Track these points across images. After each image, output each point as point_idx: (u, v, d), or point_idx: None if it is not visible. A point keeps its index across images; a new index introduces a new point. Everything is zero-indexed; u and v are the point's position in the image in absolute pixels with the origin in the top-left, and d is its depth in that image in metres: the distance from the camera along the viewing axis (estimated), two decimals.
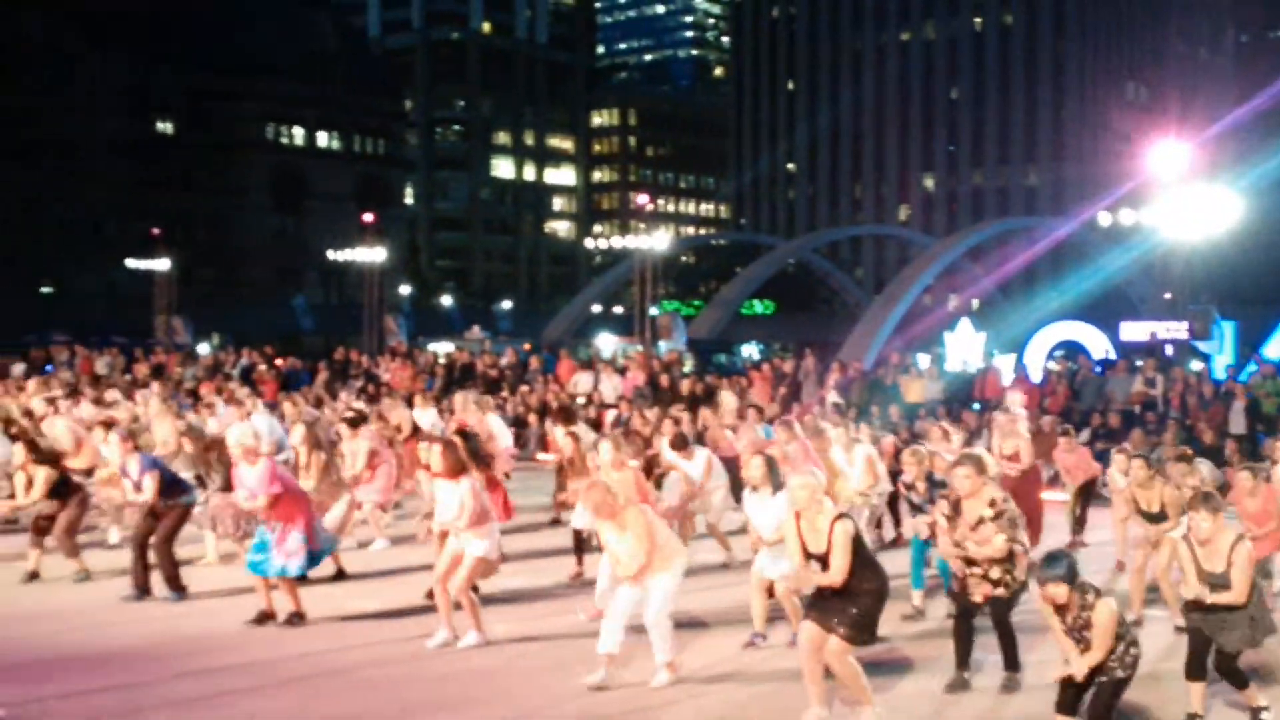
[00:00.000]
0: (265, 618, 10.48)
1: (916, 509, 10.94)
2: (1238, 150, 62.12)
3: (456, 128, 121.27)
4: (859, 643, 7.80)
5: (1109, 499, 13.56)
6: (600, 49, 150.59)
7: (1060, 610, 7.04)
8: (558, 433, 13.83)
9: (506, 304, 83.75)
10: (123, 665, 9.27)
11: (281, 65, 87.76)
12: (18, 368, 28.34)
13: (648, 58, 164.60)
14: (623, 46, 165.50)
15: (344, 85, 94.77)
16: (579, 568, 12.18)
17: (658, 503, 11.55)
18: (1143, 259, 44.14)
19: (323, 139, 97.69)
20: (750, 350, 51.93)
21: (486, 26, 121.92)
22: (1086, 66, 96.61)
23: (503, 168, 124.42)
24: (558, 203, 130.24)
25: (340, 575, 12.37)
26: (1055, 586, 6.97)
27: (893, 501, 13.61)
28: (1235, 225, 28.20)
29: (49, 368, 29.64)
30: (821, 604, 7.87)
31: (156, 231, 54.08)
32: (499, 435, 15.67)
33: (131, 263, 61.23)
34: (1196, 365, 26.43)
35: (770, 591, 9.75)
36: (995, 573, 8.48)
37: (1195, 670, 7.99)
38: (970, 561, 8.50)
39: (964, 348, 31.51)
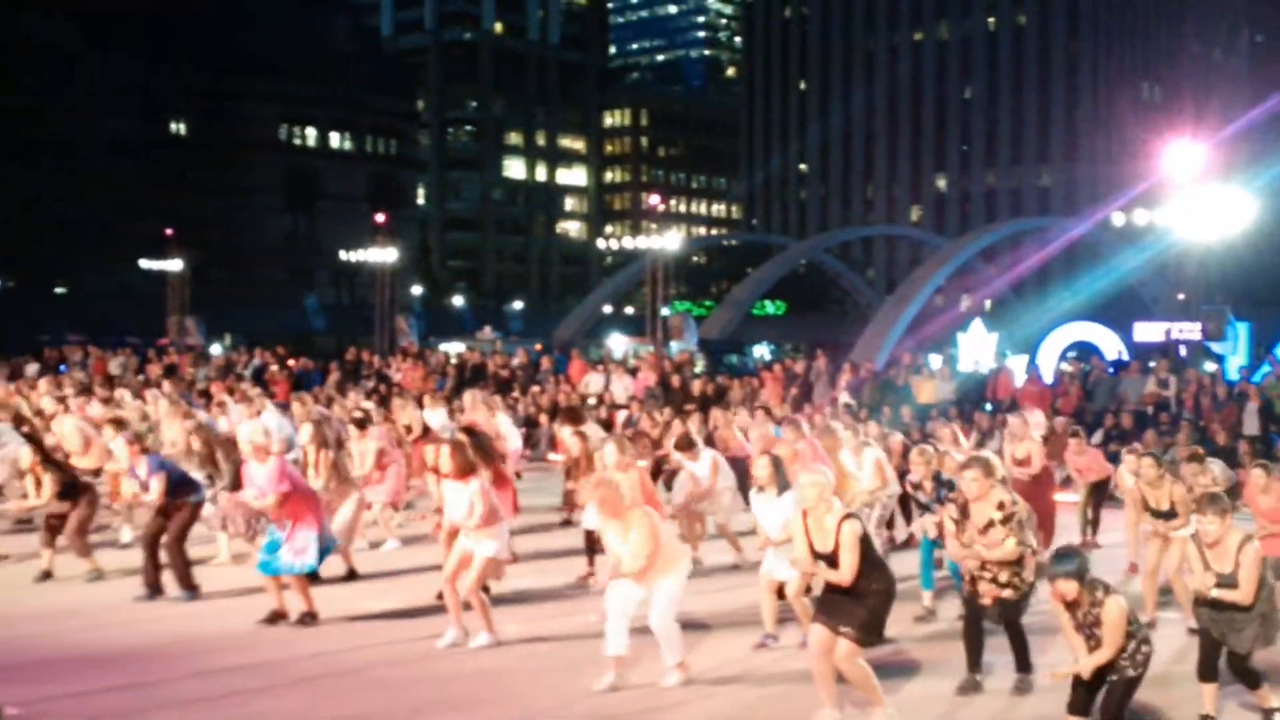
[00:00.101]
0: (277, 617, 10.49)
1: (923, 508, 10.93)
2: (1252, 151, 61.85)
3: (468, 128, 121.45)
4: (867, 644, 7.78)
5: (1121, 500, 13.52)
6: (612, 49, 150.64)
7: (1070, 607, 7.03)
8: (565, 433, 13.83)
9: (518, 304, 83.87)
10: (135, 664, 9.28)
11: (294, 66, 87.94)
12: (31, 367, 28.45)
13: (660, 58, 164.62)
14: (635, 47, 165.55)
15: (356, 86, 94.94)
16: (590, 569, 12.17)
17: (665, 505, 11.53)
18: (1156, 259, 44.04)
19: (335, 139, 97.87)
20: (762, 351, 51.90)
21: (499, 27, 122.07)
22: (1100, 66, 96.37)
23: (514, 168, 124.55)
24: (569, 203, 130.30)
25: (351, 575, 12.38)
26: (1065, 583, 6.96)
27: (903, 502, 13.59)
28: (1249, 226, 28.09)
29: (62, 368, 29.74)
30: (829, 606, 7.84)
31: (169, 232, 54.19)
32: (508, 435, 15.66)
33: (144, 263, 61.38)
34: (1210, 366, 26.36)
35: (780, 593, 9.73)
36: (1004, 575, 8.45)
37: (1207, 672, 7.97)
38: (981, 565, 8.47)
39: (976, 348, 31.43)
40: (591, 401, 24.75)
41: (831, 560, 7.84)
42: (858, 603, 7.74)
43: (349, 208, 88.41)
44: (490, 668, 9.26)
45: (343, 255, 63.81)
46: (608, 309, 57.92)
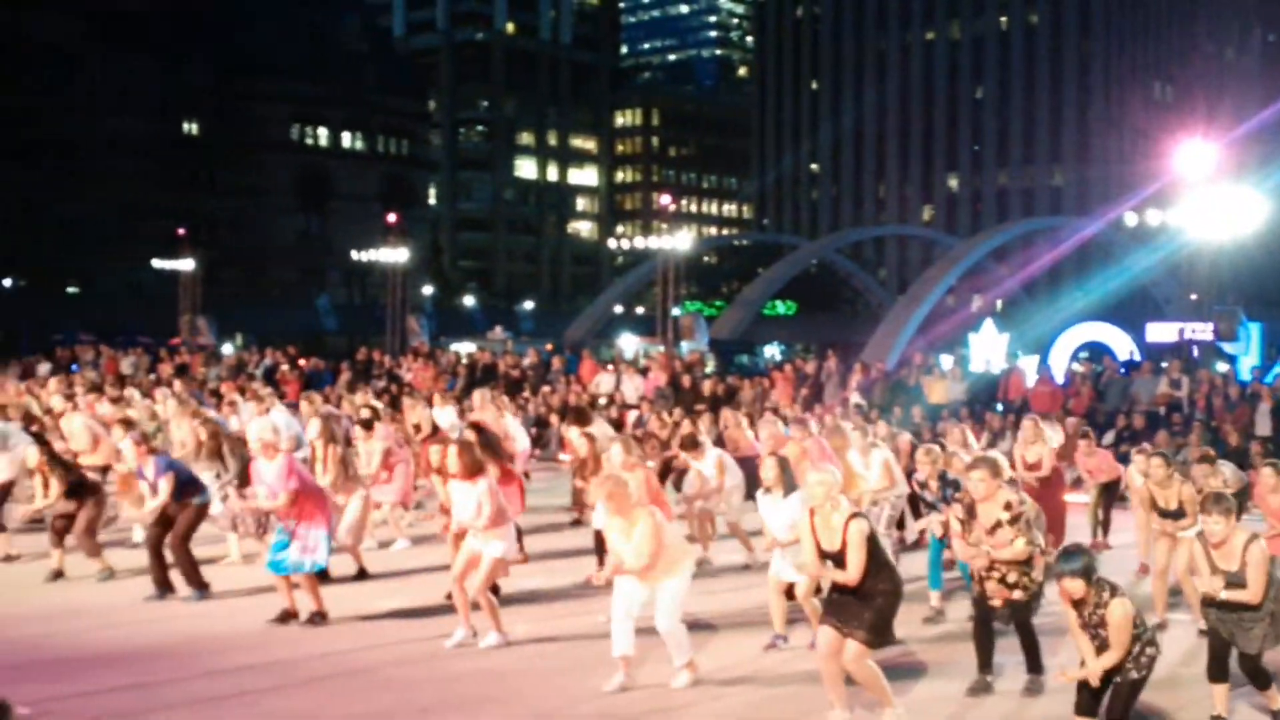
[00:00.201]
0: (288, 616, 10.51)
1: (930, 507, 10.92)
2: (1264, 151, 61.69)
3: (480, 128, 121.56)
4: (877, 646, 7.76)
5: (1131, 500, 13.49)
6: (624, 49, 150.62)
7: (1077, 606, 7.02)
8: (572, 433, 13.85)
9: (529, 304, 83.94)
10: (145, 664, 9.30)
11: (305, 66, 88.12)
12: (44, 367, 28.56)
13: (671, 58, 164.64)
14: (646, 46, 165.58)
15: (368, 86, 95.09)
16: (600, 568, 12.16)
17: (674, 505, 11.52)
18: (1168, 260, 43.90)
19: (347, 139, 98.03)
20: (772, 351, 51.88)
21: (511, 27, 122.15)
22: (1112, 66, 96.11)
23: (526, 168, 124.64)
24: (581, 203, 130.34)
25: (362, 574, 12.41)
26: (1072, 581, 6.96)
27: (911, 501, 13.58)
28: (1261, 226, 28.02)
29: (74, 367, 29.84)
30: (837, 608, 7.82)
31: (181, 232, 54.40)
32: (516, 436, 15.68)
33: (156, 263, 61.62)
34: (1222, 367, 26.27)
35: (789, 593, 9.72)
36: (1013, 576, 8.43)
37: (1217, 673, 7.94)
38: (989, 565, 8.46)
39: (988, 348, 31.39)
40: (602, 401, 24.76)
41: (838, 559, 7.82)
42: (865, 604, 7.71)
43: (361, 208, 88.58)
44: (499, 668, 9.27)
45: (354, 255, 63.99)
46: (619, 309, 57.92)
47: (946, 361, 27.87)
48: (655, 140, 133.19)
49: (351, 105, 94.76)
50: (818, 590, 9.25)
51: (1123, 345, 29.45)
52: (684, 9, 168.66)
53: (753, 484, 10.34)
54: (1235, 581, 7.70)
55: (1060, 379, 24.85)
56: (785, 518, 9.35)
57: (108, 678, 8.90)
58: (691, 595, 10.45)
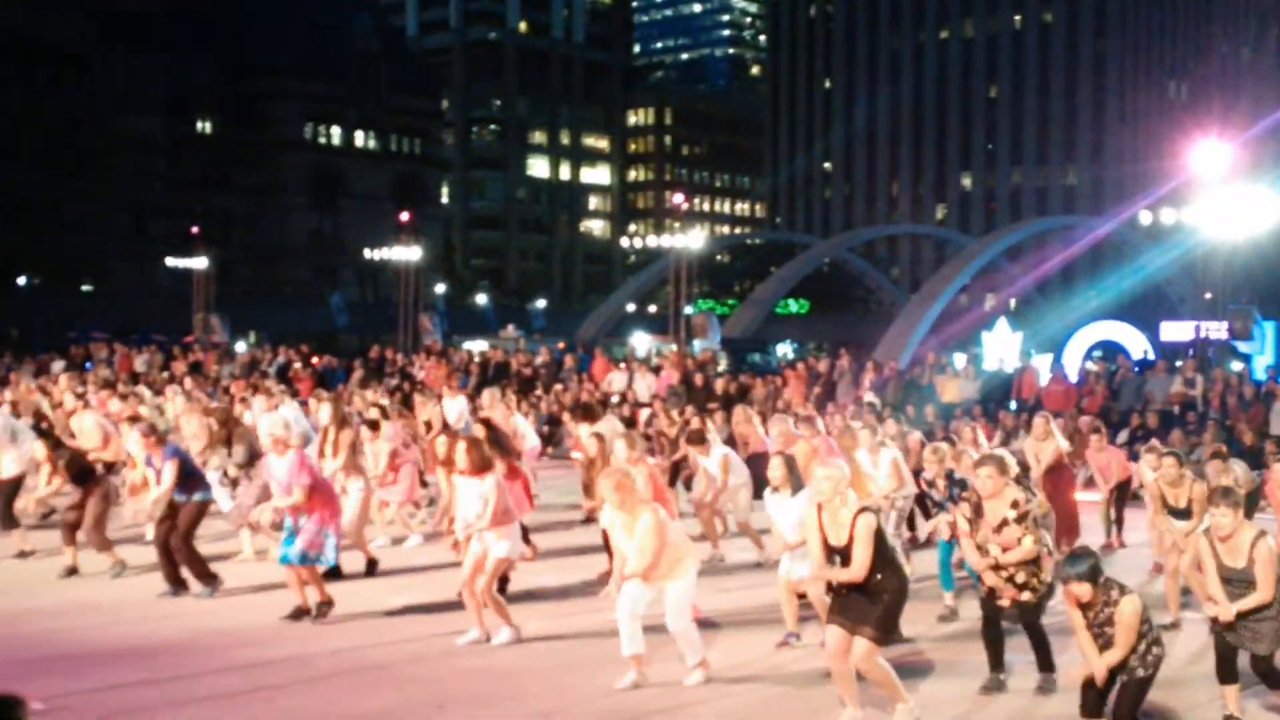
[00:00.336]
0: (300, 613, 10.53)
1: (938, 506, 10.89)
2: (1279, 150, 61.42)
3: (493, 127, 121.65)
4: (884, 642, 7.75)
5: (1144, 499, 13.45)
6: (637, 48, 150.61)
7: (1084, 608, 6.99)
8: (581, 431, 13.87)
9: (541, 303, 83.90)
10: (159, 660, 9.33)
11: (319, 65, 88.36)
12: (58, 365, 28.65)
13: (684, 57, 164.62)
14: (659, 45, 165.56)
15: (381, 85, 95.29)
16: (610, 566, 12.16)
17: (675, 501, 11.52)
18: (1183, 259, 43.74)
19: (360, 138, 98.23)
20: (785, 350, 51.83)
21: (523, 26, 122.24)
22: (1127, 65, 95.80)
23: (538, 167, 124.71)
24: (593, 202, 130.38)
25: (371, 567, 12.44)
26: (1079, 585, 6.93)
27: (921, 501, 13.57)
28: (1276, 225, 27.89)
29: (89, 365, 29.94)
30: (844, 606, 7.81)
31: (195, 230, 54.52)
32: (525, 434, 15.73)
33: (170, 261, 61.82)
34: (1237, 366, 26.18)
35: (801, 593, 9.70)
36: (1020, 576, 8.39)
37: (1226, 675, 7.90)
38: (996, 565, 8.43)
39: (1001, 347, 31.33)
40: (615, 400, 24.76)
41: (846, 555, 7.81)
42: (872, 601, 7.69)
43: (373, 206, 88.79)
44: (511, 665, 9.27)
45: (367, 254, 64.13)
46: (631, 307, 57.93)
47: (959, 360, 27.80)
48: (668, 139, 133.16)
49: (364, 104, 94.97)
50: (829, 588, 9.24)
51: (1137, 344, 29.39)
52: (697, 8, 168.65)
53: (762, 482, 10.32)
54: (1240, 578, 7.65)
55: (1074, 378, 24.79)
56: (793, 516, 9.34)
57: (121, 673, 8.92)
58: (704, 593, 10.46)
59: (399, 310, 46.12)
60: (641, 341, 43.57)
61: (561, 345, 38.30)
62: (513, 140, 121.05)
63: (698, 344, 38.45)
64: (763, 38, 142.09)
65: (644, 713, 8.19)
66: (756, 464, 13.56)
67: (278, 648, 9.68)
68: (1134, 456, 15.69)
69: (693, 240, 46.23)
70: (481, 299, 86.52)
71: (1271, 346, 28.41)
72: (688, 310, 43.91)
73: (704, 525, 13.26)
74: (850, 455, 12.31)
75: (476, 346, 40.38)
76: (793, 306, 74.06)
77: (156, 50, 79.21)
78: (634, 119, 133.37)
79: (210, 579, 11.46)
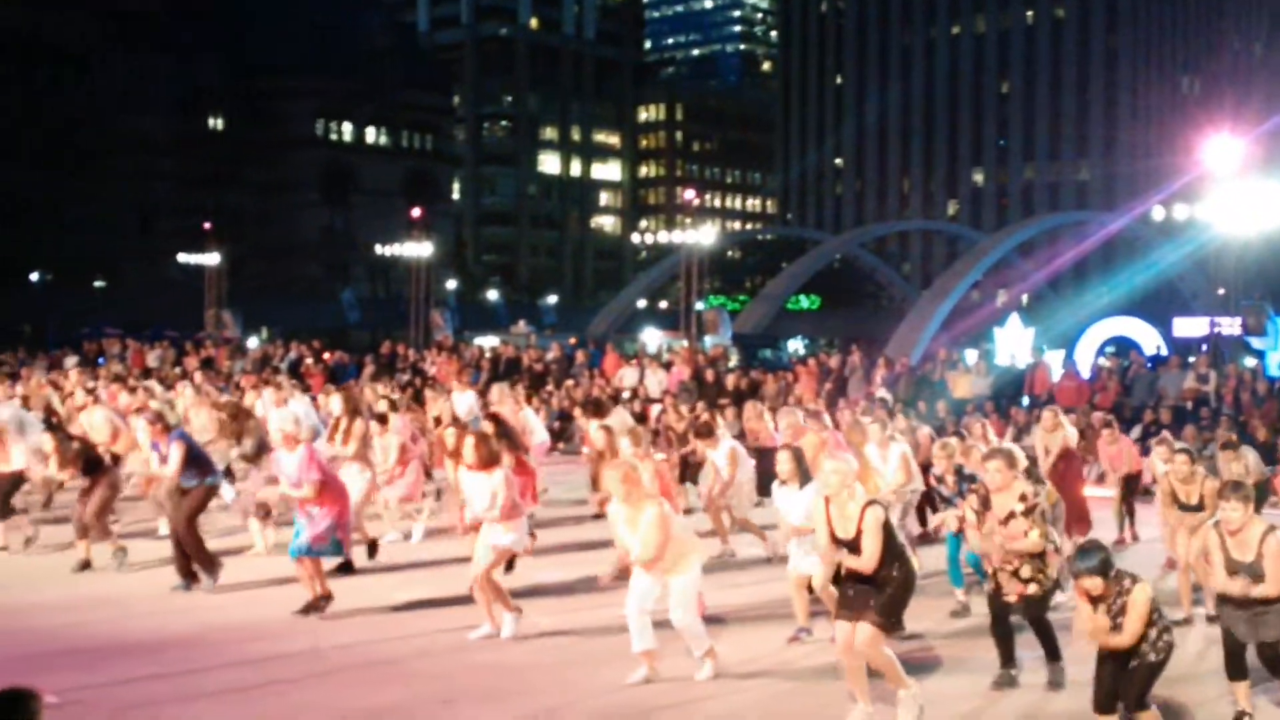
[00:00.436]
0: (311, 608, 10.54)
1: (946, 502, 10.87)
2: None
3: (504, 123, 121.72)
4: (888, 630, 7.77)
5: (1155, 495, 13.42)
6: (648, 44, 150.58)
7: (1097, 601, 6.97)
8: (590, 426, 13.88)
9: (552, 299, 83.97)
10: (171, 654, 9.35)
11: (331, 61, 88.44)
12: (70, 360, 28.74)
13: (695, 53, 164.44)
14: (670, 41, 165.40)
15: (392, 81, 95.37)
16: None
17: (683, 497, 11.52)
18: (1195, 254, 43.64)
19: (371, 135, 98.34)
20: (796, 345, 51.78)
21: (534, 22, 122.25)
22: (1139, 60, 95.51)
23: (549, 163, 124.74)
24: (604, 198, 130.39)
25: (372, 547, 12.55)
26: (1090, 579, 6.91)
27: (928, 496, 13.53)
28: None
29: (101, 360, 30.03)
30: (851, 599, 7.83)
31: (207, 226, 54.65)
32: (534, 429, 15.74)
33: (182, 257, 61.97)
34: (1250, 361, 26.08)
35: (810, 586, 9.70)
36: (1026, 570, 8.39)
37: (1236, 671, 7.86)
38: (1002, 558, 8.42)
39: (1013, 343, 31.27)
40: (626, 396, 24.76)
41: (853, 548, 7.83)
42: (878, 591, 7.73)
43: (385, 203, 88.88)
44: (521, 660, 9.27)
45: (378, 250, 64.24)
46: (642, 303, 57.94)
47: (971, 356, 27.74)
48: (679, 135, 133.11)
49: (376, 100, 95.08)
50: (836, 578, 9.23)
51: (1150, 340, 29.30)
52: (708, 4, 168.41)
53: (770, 476, 10.32)
54: (1248, 573, 7.63)
55: (1086, 374, 24.73)
56: (802, 509, 9.34)
57: (133, 667, 8.95)
58: (715, 588, 10.46)
59: (410, 306, 46.17)
60: (652, 337, 43.57)
61: (573, 341, 38.27)
62: (524, 136, 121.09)
63: (709, 340, 38.43)
64: (774, 33, 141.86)
65: (654, 708, 8.19)
66: (765, 458, 13.54)
67: (288, 642, 9.69)
68: (1146, 452, 15.62)
69: (704, 236, 46.20)
70: (492, 295, 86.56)
71: None
72: (699, 306, 43.92)
73: (714, 521, 13.25)
74: (859, 450, 12.29)
75: (488, 342, 40.44)
76: (804, 302, 74.04)
77: (168, 48, 79.36)
78: (645, 115, 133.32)
79: (211, 566, 11.46)
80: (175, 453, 11.47)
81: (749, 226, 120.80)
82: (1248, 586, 7.56)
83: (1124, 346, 28.98)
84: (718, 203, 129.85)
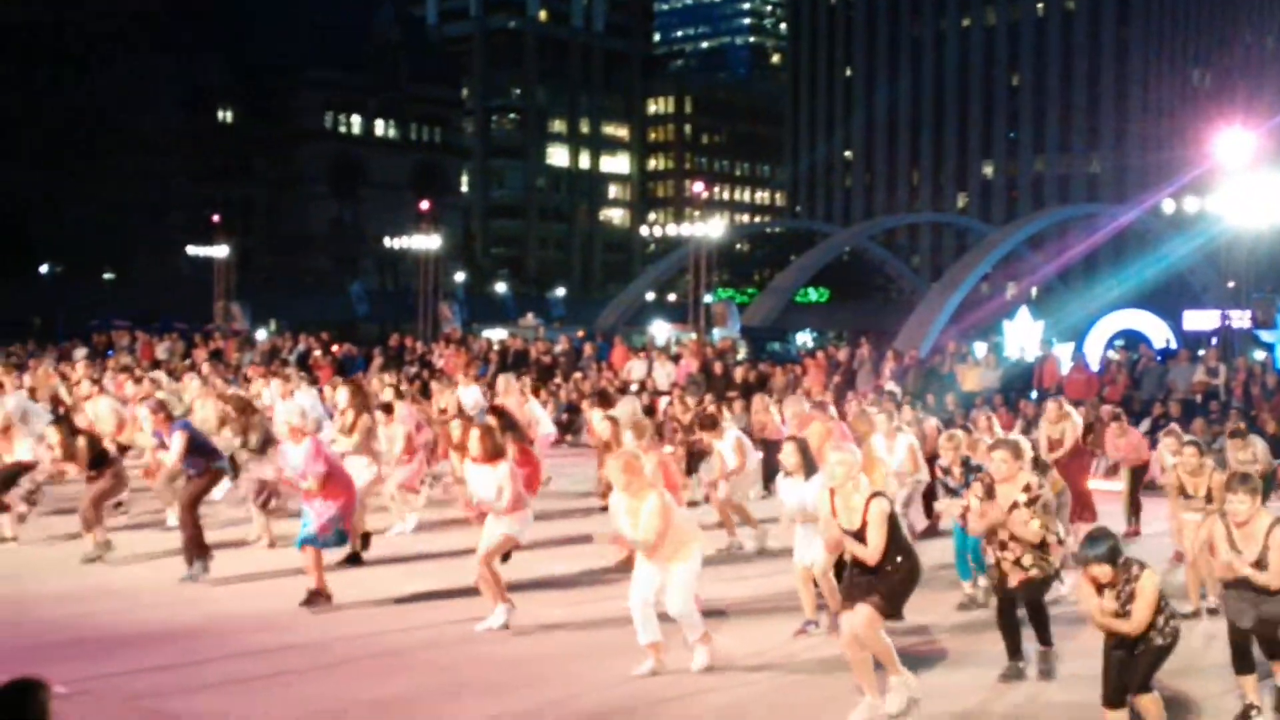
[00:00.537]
0: (314, 599, 10.55)
1: (952, 493, 10.85)
2: None
3: (512, 116, 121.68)
4: (887, 614, 7.80)
5: (1163, 489, 13.38)
6: (657, 37, 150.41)
7: (1105, 590, 6.94)
8: (595, 416, 13.89)
9: (560, 291, 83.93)
10: (179, 644, 9.38)
11: (339, 54, 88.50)
12: (80, 352, 28.82)
13: (704, 45, 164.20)
14: (679, 34, 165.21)
15: (401, 74, 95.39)
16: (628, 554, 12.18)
17: (688, 489, 11.54)
18: (1206, 247, 43.48)
19: (380, 127, 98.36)
20: (804, 338, 51.75)
21: (543, 14, 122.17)
22: (1150, 53, 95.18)
23: (558, 155, 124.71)
24: (613, 190, 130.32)
25: (365, 539, 12.50)
26: (1098, 567, 6.88)
27: (933, 487, 13.51)
28: None
29: (110, 352, 30.11)
30: (853, 590, 7.87)
31: (216, 219, 54.75)
32: (540, 421, 15.75)
33: (192, 250, 62.09)
34: (1260, 355, 26.01)
35: (815, 580, 9.69)
36: (1028, 559, 8.40)
37: (1242, 665, 7.83)
38: (1003, 545, 8.42)
39: (1022, 336, 31.19)
40: (634, 388, 24.77)
41: (858, 539, 7.87)
42: (881, 579, 7.78)
43: (393, 195, 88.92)
44: (525, 652, 9.28)
45: (387, 242, 64.26)
46: (650, 296, 57.94)
47: (980, 349, 27.69)
48: (688, 128, 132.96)
49: (384, 93, 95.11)
50: (838, 569, 9.23)
51: (1159, 333, 29.22)
52: None
53: (776, 470, 10.32)
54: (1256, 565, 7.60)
55: (1096, 367, 24.67)
56: (807, 500, 9.34)
57: (142, 658, 8.97)
58: (721, 581, 10.45)
59: (419, 298, 46.26)
60: (661, 330, 43.56)
61: (581, 333, 38.31)
62: (532, 129, 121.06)
63: (717, 332, 38.43)
64: (783, 26, 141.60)
65: (659, 699, 8.19)
66: (772, 450, 13.53)
67: (295, 633, 9.71)
68: (1155, 445, 15.59)
69: (712, 229, 46.20)
70: (501, 287, 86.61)
71: None
72: (707, 299, 43.89)
73: (720, 514, 13.25)
74: (865, 440, 12.28)
75: (496, 335, 40.47)
76: (813, 295, 73.97)
77: (178, 41, 79.40)
78: (654, 107, 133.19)
79: (203, 553, 11.45)
80: (177, 442, 11.49)
81: (758, 219, 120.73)
82: (1251, 567, 7.52)
83: (1133, 340, 28.89)
84: (726, 195, 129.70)
